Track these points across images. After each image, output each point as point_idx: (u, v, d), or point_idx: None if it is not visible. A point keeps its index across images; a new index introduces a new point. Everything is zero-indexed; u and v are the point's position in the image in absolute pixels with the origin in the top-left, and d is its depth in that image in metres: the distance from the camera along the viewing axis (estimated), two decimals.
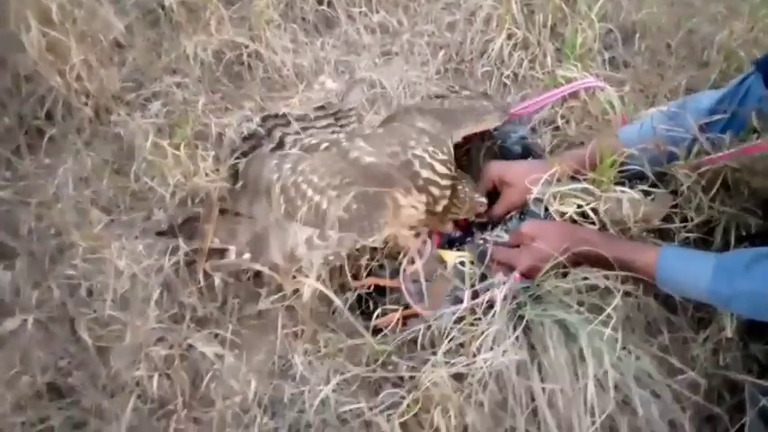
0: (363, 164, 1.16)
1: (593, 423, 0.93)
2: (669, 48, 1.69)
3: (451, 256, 1.20)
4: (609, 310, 0.97)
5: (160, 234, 1.18)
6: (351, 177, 1.13)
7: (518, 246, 1.15)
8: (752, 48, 1.63)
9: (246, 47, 1.65)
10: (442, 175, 1.15)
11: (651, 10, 1.75)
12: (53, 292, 1.12)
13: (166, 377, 1.04)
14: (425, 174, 1.14)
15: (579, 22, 1.59)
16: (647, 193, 1.20)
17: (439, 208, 1.16)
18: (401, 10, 1.91)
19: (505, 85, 1.62)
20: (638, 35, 1.69)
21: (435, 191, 1.15)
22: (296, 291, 1.08)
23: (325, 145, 1.25)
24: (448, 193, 1.16)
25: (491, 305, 1.05)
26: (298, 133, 1.35)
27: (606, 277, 1.10)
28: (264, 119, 1.46)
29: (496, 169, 1.30)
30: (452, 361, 0.97)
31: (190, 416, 1.02)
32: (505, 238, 1.21)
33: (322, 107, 1.53)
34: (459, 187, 1.19)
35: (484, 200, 1.22)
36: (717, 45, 1.68)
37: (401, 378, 1.00)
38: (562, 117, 1.40)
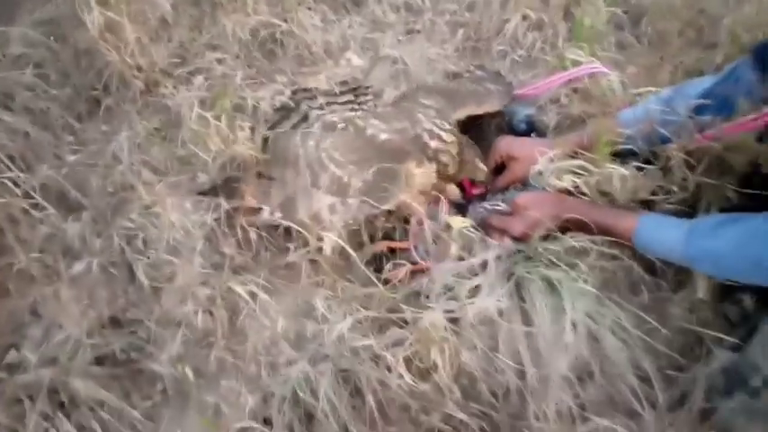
0: (379, 141, 1.31)
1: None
2: (678, 30, 1.76)
3: (457, 222, 1.35)
4: (584, 267, 1.11)
5: (202, 194, 1.36)
6: (369, 154, 1.29)
7: (512, 215, 1.29)
8: (758, 31, 1.69)
9: (280, 26, 1.79)
10: (449, 143, 1.30)
11: None
12: (114, 240, 1.30)
13: (209, 313, 1.22)
14: (434, 144, 1.29)
15: (590, 4, 1.68)
16: (640, 169, 1.33)
17: (451, 171, 1.32)
18: None
19: (518, 63, 1.74)
20: (647, 17, 1.77)
21: (445, 158, 1.30)
22: (319, 247, 1.25)
23: (342, 125, 1.41)
24: (457, 159, 1.31)
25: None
26: (321, 108, 1.50)
27: (594, 241, 1.25)
28: (294, 92, 1.61)
29: (504, 144, 1.43)
30: (449, 307, 1.13)
31: (228, 346, 1.20)
32: (503, 207, 1.35)
33: (345, 82, 1.68)
34: (466, 150, 1.34)
35: (484, 167, 1.37)
36: (725, 27, 1.74)
37: (405, 321, 1.17)
38: (566, 96, 1.52)
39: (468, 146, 1.37)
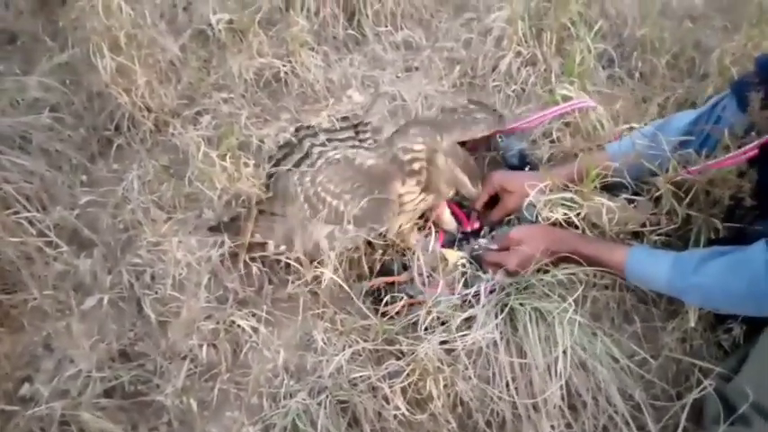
0: (366, 167, 1.38)
1: (560, 389, 1.11)
2: (669, 63, 1.82)
3: (453, 256, 1.39)
4: (570, 300, 1.15)
5: (209, 230, 1.41)
6: (359, 181, 1.35)
7: (508, 249, 1.33)
8: (747, 61, 1.74)
9: (284, 66, 1.87)
10: (418, 151, 1.35)
11: (655, 25, 1.87)
12: (123, 276, 1.36)
13: (213, 347, 1.26)
14: (407, 157, 1.35)
15: (581, 40, 1.74)
16: (630, 201, 1.37)
17: (423, 179, 1.35)
18: (423, 27, 2.10)
19: (512, 98, 1.79)
20: (638, 51, 1.83)
21: (416, 165, 1.34)
22: (318, 279, 1.30)
23: (337, 158, 1.47)
24: (425, 162, 1.35)
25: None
26: (323, 145, 1.57)
27: (586, 273, 1.28)
28: (297, 129, 1.67)
29: (498, 178, 1.48)
30: (444, 338, 1.17)
31: (232, 378, 1.25)
32: (494, 246, 1.39)
33: (346, 118, 1.74)
34: (438, 155, 1.35)
35: (466, 179, 1.36)
36: (715, 60, 1.80)
37: (402, 352, 1.20)
38: (558, 131, 1.57)
39: (452, 154, 1.38)
